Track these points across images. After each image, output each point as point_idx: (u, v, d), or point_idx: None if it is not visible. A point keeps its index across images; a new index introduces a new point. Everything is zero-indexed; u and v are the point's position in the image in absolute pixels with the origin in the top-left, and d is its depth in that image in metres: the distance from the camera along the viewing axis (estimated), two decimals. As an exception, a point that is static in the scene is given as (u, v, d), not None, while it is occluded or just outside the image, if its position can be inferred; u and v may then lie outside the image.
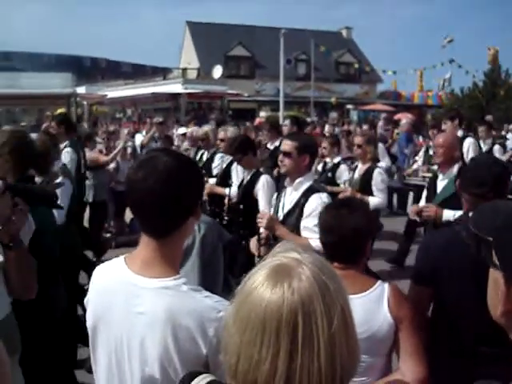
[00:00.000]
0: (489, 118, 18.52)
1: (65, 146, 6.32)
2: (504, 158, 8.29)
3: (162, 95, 20.42)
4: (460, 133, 6.58)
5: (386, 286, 2.12)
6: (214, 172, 6.31)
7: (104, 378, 1.61)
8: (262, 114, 26.53)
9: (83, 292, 1.77)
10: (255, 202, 4.45)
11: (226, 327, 1.04)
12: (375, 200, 5.43)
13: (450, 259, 2.19)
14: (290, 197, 3.50)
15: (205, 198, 5.38)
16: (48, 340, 2.86)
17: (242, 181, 4.78)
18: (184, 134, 10.16)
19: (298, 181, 3.47)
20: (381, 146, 8.59)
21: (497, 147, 8.56)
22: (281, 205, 3.55)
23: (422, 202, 4.77)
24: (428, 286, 2.30)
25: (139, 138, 10.81)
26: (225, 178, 5.70)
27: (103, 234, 8.83)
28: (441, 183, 4.53)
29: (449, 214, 4.08)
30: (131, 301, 1.52)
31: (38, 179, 3.57)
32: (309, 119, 21.87)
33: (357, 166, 6.05)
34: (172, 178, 1.51)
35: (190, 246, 2.48)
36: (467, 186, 2.47)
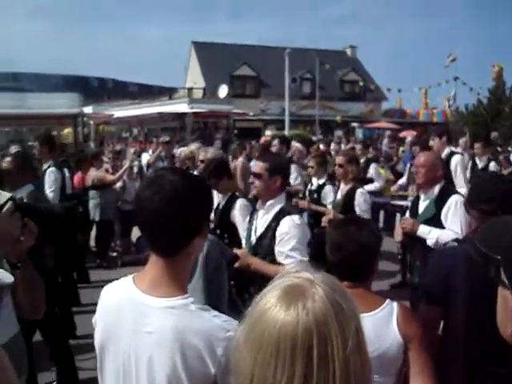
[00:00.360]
0: (494, 134, 18.52)
1: (48, 166, 6.29)
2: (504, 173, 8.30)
3: (167, 115, 20.55)
4: (447, 150, 6.43)
5: (395, 304, 2.11)
6: None
7: (112, 397, 1.60)
8: (268, 132, 26.62)
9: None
10: (232, 226, 4.32)
11: (236, 348, 1.03)
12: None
13: (459, 278, 2.18)
14: (262, 220, 3.39)
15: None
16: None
17: (218, 205, 4.59)
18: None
19: (269, 203, 3.36)
20: (374, 165, 8.46)
21: (492, 164, 8.55)
22: (253, 228, 3.44)
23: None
24: (439, 305, 2.29)
25: (145, 158, 10.86)
26: None
27: (109, 253, 8.85)
28: (422, 204, 4.37)
29: (424, 230, 4.05)
30: (139, 320, 1.51)
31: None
32: (314, 138, 21.95)
33: (339, 187, 5.84)
34: (178, 196, 1.51)
35: (194, 263, 2.48)
36: (475, 203, 2.45)
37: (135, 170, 9.40)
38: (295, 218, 3.26)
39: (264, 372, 0.94)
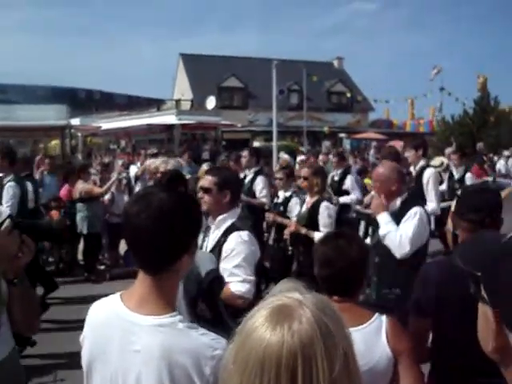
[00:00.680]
0: (480, 144, 18.74)
1: (8, 181, 6.03)
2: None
3: (155, 126, 20.52)
4: (421, 163, 6.34)
5: (384, 318, 2.11)
6: None
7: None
8: (256, 144, 26.68)
9: None
10: None
11: (225, 367, 1.02)
12: (320, 236, 4.85)
13: (447, 290, 2.19)
14: (213, 235, 3.28)
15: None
16: None
17: None
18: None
19: (219, 218, 3.26)
20: (351, 177, 8.32)
21: (468, 175, 8.65)
22: (205, 244, 3.33)
23: (368, 238, 4.44)
24: (427, 317, 2.30)
25: (134, 170, 10.82)
26: None
27: (97, 267, 8.78)
28: None
29: (386, 219, 3.80)
30: (127, 338, 1.50)
31: None
32: (302, 149, 22.01)
33: (304, 200, 5.62)
34: (165, 214, 1.51)
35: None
36: (464, 213, 2.45)
37: (124, 182, 9.35)
38: (243, 234, 3.16)
39: None
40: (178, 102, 31.66)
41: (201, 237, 3.51)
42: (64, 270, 8.64)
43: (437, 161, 10.07)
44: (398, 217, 3.80)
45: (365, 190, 8.76)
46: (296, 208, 5.89)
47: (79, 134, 22.46)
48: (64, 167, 11.00)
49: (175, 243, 1.53)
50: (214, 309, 2.61)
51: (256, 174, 7.24)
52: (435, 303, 2.25)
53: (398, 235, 3.69)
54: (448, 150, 11.71)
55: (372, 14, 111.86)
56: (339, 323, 1.00)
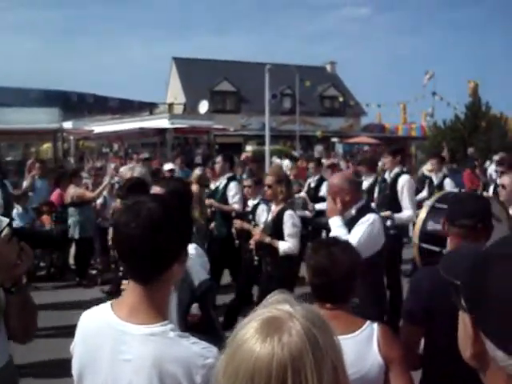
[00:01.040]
0: (471, 150, 18.87)
1: None
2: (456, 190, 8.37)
3: (148, 130, 20.51)
4: (396, 170, 6.30)
5: (375, 326, 2.12)
6: None
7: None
8: (248, 148, 26.71)
9: None
10: None
11: (216, 378, 1.03)
12: (285, 245, 4.88)
13: (439, 297, 2.20)
14: None
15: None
16: None
17: None
18: (170, 171, 10.17)
19: None
20: (327, 184, 8.31)
21: (447, 180, 8.66)
22: None
23: None
24: (420, 325, 2.30)
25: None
26: None
27: (89, 271, 8.75)
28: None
29: (337, 222, 3.71)
30: (118, 348, 1.50)
31: None
32: (295, 153, 22.04)
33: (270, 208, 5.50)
34: (154, 224, 1.51)
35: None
36: (457, 219, 2.44)
37: (116, 186, 9.32)
38: (191, 247, 3.10)
39: None
40: (170, 105, 31.67)
41: None
42: (55, 274, 8.61)
43: (429, 165, 10.11)
44: (352, 225, 3.70)
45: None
46: (263, 215, 5.78)
47: (71, 138, 22.41)
48: (55, 171, 10.95)
49: (165, 253, 1.53)
50: (205, 316, 2.61)
51: (229, 180, 7.06)
52: (427, 311, 2.25)
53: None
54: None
55: (364, 19, 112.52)
56: (329, 335, 1.00)
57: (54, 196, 8.99)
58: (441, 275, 2.32)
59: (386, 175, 6.41)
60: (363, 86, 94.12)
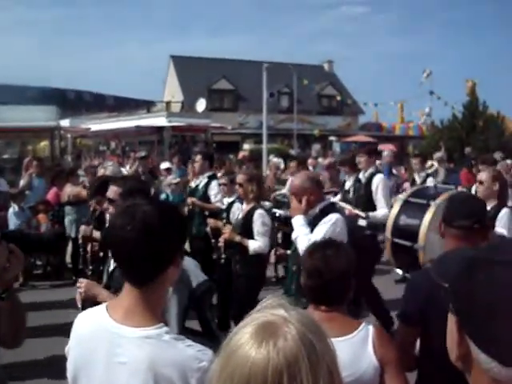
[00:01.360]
0: (468, 149, 18.87)
1: None
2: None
3: (145, 128, 20.47)
4: (371, 170, 6.23)
5: (371, 327, 2.12)
6: None
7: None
8: (246, 146, 26.71)
9: None
10: None
11: (211, 383, 1.03)
12: (255, 244, 4.86)
13: (436, 299, 2.20)
14: None
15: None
16: None
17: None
18: (167, 169, 10.16)
19: None
20: None
21: (430, 179, 8.69)
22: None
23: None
24: (416, 327, 2.30)
25: (123, 172, 10.77)
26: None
27: (86, 270, 8.72)
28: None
29: (300, 222, 3.70)
30: (113, 350, 1.50)
31: None
32: (292, 151, 22.04)
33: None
34: (149, 227, 1.51)
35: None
36: (454, 219, 2.43)
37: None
38: None
39: None
40: (168, 103, 31.62)
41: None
42: (52, 273, 8.57)
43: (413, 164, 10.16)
44: (315, 224, 3.69)
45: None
46: (237, 214, 5.71)
47: (68, 136, 22.35)
48: (52, 170, 10.92)
49: (161, 255, 1.53)
50: (202, 318, 2.61)
51: (210, 179, 6.95)
52: (423, 312, 2.25)
53: (307, 239, 3.50)
54: (437, 155, 11.79)
55: (362, 18, 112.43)
56: (324, 339, 1.00)
57: (51, 195, 8.96)
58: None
59: (361, 175, 6.39)
60: (361, 84, 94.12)
